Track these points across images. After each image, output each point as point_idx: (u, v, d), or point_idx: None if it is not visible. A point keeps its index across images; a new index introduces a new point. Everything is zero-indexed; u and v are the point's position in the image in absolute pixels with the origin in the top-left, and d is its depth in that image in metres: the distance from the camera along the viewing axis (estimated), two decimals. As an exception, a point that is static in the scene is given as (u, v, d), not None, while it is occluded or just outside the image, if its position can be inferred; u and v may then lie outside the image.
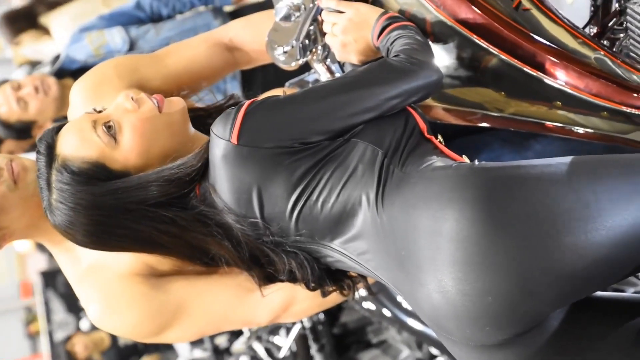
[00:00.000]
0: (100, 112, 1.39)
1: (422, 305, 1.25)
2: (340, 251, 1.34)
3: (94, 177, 1.34)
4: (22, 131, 2.75)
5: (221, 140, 1.30)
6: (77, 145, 1.35)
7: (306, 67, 1.76)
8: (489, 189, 1.20)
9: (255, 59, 1.92)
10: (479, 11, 1.44)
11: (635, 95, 1.38)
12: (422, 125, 1.37)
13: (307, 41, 1.65)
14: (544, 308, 1.20)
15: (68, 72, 2.79)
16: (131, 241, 1.39)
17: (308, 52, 1.66)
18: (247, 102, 1.32)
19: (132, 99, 1.37)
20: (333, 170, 1.30)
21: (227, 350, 3.74)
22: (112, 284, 1.57)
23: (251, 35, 1.87)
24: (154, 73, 1.75)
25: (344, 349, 2.87)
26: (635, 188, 1.18)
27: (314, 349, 2.86)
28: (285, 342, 3.00)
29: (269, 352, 3.11)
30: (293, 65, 1.68)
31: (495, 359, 1.24)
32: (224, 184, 1.32)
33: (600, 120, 1.41)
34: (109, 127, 1.35)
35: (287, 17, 1.63)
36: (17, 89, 2.70)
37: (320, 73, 1.73)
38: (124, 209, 1.34)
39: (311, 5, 1.61)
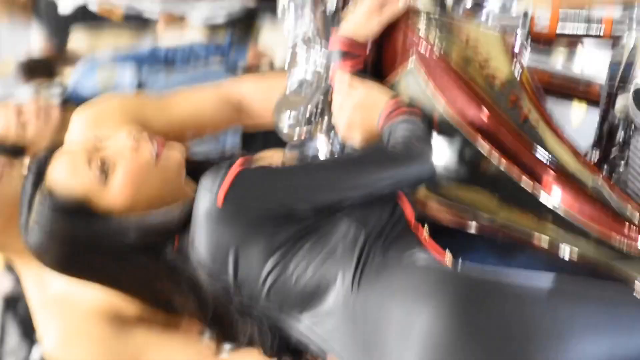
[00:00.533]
0: (99, 141, 1.38)
1: (381, 398, 1.22)
2: (306, 325, 1.32)
3: (76, 212, 1.33)
4: (15, 153, 2.74)
5: (206, 196, 1.29)
6: (67, 175, 1.34)
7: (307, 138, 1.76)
8: (468, 295, 1.19)
9: (261, 123, 1.92)
10: (487, 112, 1.45)
11: (626, 225, 1.38)
12: (410, 214, 1.37)
13: (314, 111, 1.65)
14: None
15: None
16: (98, 278, 1.38)
17: (312, 124, 1.67)
18: (239, 162, 1.31)
19: (133, 138, 1.37)
20: (313, 243, 1.29)
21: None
22: (74, 321, 1.55)
23: (260, 100, 1.88)
24: (159, 116, 1.75)
25: None
26: (612, 318, 1.17)
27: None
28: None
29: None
30: (295, 138, 1.68)
31: None
32: (202, 239, 1.31)
33: (587, 244, 1.41)
34: (103, 163, 1.34)
35: (297, 92, 1.65)
36: (19, 115, 2.70)
37: (321, 146, 1.73)
38: (97, 248, 1.33)
39: (323, 85, 1.63)
